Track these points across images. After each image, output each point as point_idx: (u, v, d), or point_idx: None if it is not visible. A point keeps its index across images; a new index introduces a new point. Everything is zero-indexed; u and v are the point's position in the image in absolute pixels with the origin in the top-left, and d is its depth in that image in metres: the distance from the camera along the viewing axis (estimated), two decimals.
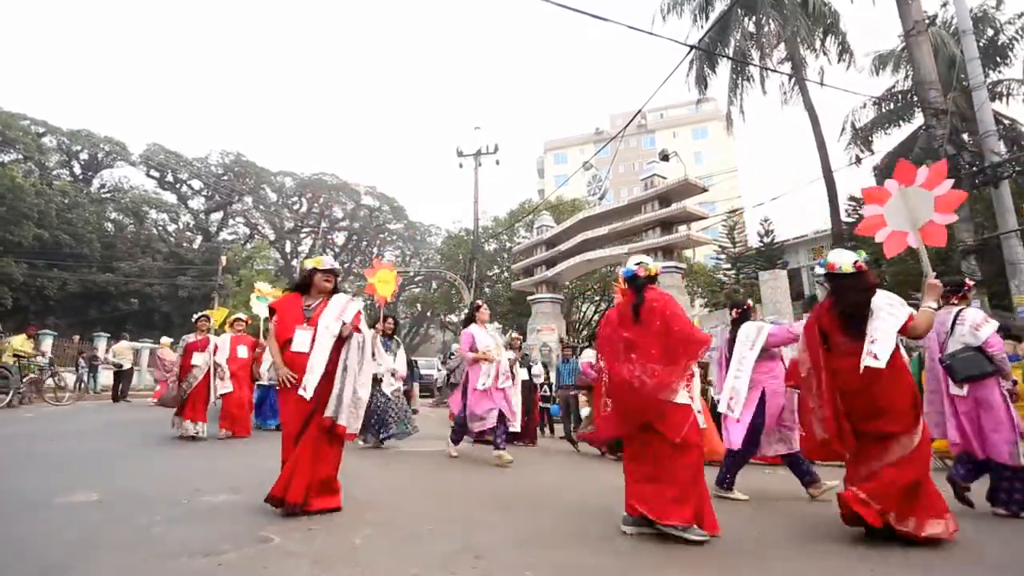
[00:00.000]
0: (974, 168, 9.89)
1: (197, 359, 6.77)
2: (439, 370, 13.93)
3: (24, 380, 11.09)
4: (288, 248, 43.58)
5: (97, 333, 19.13)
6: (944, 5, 14.69)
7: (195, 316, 7.29)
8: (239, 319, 7.84)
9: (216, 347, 7.06)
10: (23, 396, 11.02)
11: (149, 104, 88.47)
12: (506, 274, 26.12)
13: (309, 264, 3.73)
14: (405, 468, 5.41)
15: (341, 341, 3.44)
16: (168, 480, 4.23)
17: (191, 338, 6.97)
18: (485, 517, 3.39)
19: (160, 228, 37.43)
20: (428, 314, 37.58)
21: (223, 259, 30.29)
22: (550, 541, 2.90)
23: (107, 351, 16.73)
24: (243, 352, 7.51)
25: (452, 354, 11.85)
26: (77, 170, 35.68)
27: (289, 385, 3.29)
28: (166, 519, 3.04)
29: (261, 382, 8.03)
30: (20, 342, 11.26)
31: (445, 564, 2.48)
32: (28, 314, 27.42)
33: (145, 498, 3.57)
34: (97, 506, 3.33)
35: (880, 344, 2.83)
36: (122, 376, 13.57)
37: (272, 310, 3.62)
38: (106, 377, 14.86)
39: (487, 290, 26.02)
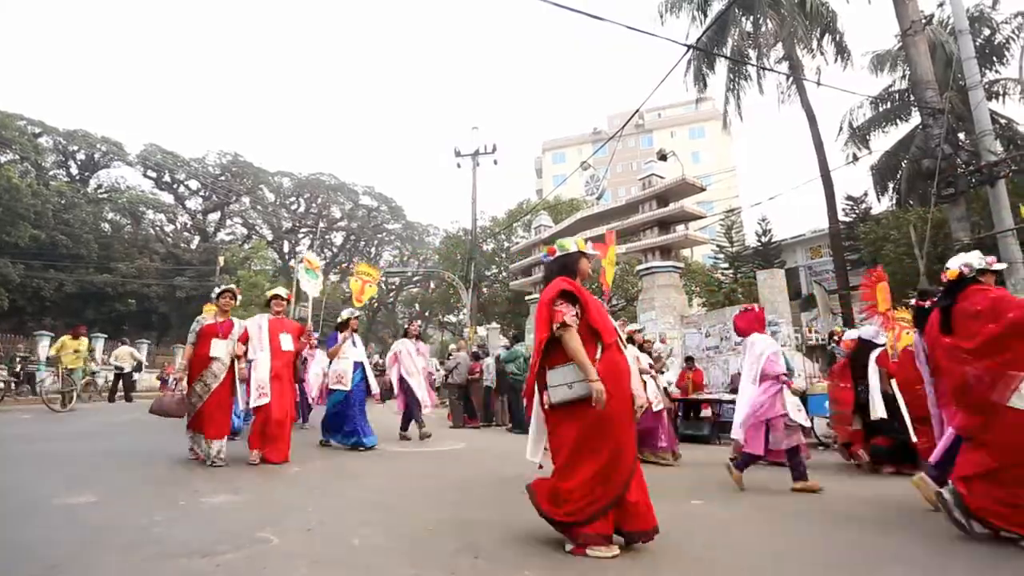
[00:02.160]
0: (970, 167, 9.93)
1: (217, 349, 4.85)
2: (438, 369, 13.95)
3: (81, 383, 11.28)
4: (286, 248, 43.53)
5: (95, 334, 19.06)
6: (941, 5, 14.69)
7: (217, 290, 5.20)
8: (279, 297, 5.59)
9: (247, 333, 5.17)
10: (71, 397, 10.99)
11: (146, 104, 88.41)
12: (504, 274, 26.15)
13: (570, 245, 2.98)
14: (405, 468, 5.41)
15: None
16: (167, 480, 4.21)
17: (207, 319, 5.00)
18: (485, 517, 3.39)
19: (157, 228, 37.31)
20: (426, 314, 37.60)
21: (221, 259, 30.31)
22: (550, 541, 2.90)
23: (104, 352, 16.83)
24: (287, 343, 5.36)
25: (450, 354, 11.86)
26: (74, 170, 35.55)
27: (600, 404, 2.59)
28: (165, 519, 3.04)
29: (340, 387, 6.28)
30: (64, 344, 11.34)
31: (445, 564, 2.48)
32: (24, 315, 27.36)
33: (144, 498, 3.56)
34: (96, 506, 3.32)
35: None
36: (123, 378, 13.99)
37: (576, 298, 2.81)
38: (102, 379, 14.90)
39: (485, 290, 26.01)
